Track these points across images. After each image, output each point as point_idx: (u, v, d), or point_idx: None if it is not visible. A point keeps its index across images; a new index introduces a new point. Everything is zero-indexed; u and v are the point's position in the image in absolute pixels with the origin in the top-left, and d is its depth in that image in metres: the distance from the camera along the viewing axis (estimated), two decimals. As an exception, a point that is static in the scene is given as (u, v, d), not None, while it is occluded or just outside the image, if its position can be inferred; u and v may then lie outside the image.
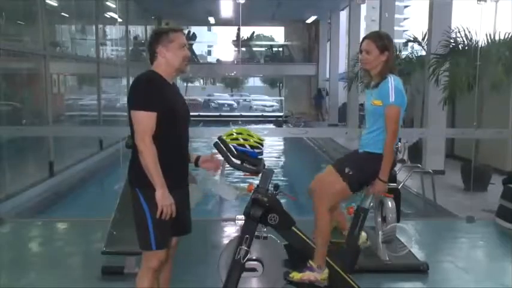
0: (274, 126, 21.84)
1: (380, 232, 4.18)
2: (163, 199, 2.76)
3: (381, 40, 3.40)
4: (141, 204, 2.85)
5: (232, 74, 29.47)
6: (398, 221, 4.23)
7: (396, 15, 18.37)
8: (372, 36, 3.44)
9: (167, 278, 3.15)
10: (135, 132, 2.81)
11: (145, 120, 2.77)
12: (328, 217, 3.35)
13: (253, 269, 3.20)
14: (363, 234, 3.61)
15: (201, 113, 27.03)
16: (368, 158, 3.38)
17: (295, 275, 3.29)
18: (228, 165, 3.13)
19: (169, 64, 2.89)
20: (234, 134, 3.18)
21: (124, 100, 17.43)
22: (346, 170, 3.37)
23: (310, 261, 3.31)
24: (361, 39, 3.56)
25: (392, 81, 3.32)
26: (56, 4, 12.85)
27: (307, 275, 3.28)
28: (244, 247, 3.09)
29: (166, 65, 2.89)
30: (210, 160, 3.11)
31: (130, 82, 2.95)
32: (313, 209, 3.36)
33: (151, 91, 2.81)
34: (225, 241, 3.84)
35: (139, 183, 2.86)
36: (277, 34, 38.16)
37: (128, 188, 3.06)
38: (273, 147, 16.10)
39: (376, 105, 3.33)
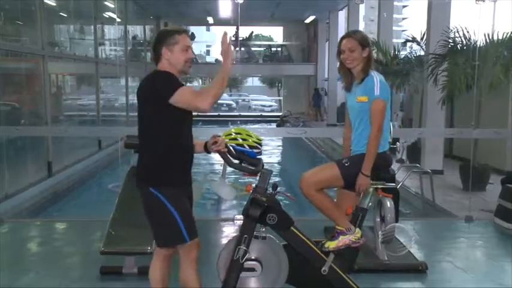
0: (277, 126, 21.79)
1: (380, 232, 4.18)
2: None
3: (361, 36, 3.45)
4: (162, 202, 2.87)
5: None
6: (397, 220, 4.23)
7: (395, 15, 18.38)
8: (352, 34, 3.49)
9: (166, 274, 3.14)
10: (190, 105, 2.81)
11: (187, 89, 2.80)
12: (320, 194, 3.34)
13: (252, 269, 3.20)
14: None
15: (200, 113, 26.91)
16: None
17: (331, 244, 3.30)
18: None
19: (172, 65, 2.91)
20: (233, 134, 3.19)
21: (123, 100, 17.52)
22: (344, 160, 3.40)
23: (338, 227, 3.35)
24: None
25: (377, 76, 3.35)
26: (54, 4, 12.84)
27: (342, 240, 3.31)
28: (243, 247, 3.09)
29: (169, 66, 2.91)
30: (215, 142, 3.07)
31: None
32: (303, 194, 3.36)
33: (172, 76, 2.86)
34: (224, 241, 3.84)
35: (156, 182, 2.90)
36: (276, 34, 38.26)
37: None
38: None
39: (362, 102, 3.34)
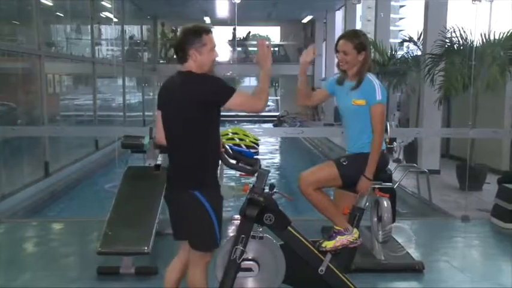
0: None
1: (381, 232, 4.17)
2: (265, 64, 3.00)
3: (358, 39, 3.38)
4: (203, 205, 2.84)
5: (228, 74, 29.47)
6: (394, 220, 4.23)
7: (392, 15, 18.41)
8: (349, 36, 3.42)
9: (182, 276, 3.14)
10: (247, 108, 2.93)
11: (240, 93, 2.86)
12: (319, 194, 3.34)
13: (249, 269, 3.20)
14: None
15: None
16: (367, 157, 3.36)
17: (328, 244, 3.30)
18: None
19: (200, 66, 2.87)
20: (230, 133, 3.18)
21: (120, 100, 17.48)
22: (342, 159, 3.39)
23: (336, 227, 3.35)
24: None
25: (375, 80, 3.34)
26: (51, 3, 12.81)
27: (339, 240, 3.31)
28: (240, 247, 3.09)
29: (196, 67, 2.87)
30: None
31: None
32: (302, 193, 3.37)
33: (219, 79, 2.89)
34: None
35: (199, 184, 2.86)
36: (273, 34, 38.18)
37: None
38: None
39: (359, 105, 3.33)
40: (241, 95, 2.88)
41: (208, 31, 2.90)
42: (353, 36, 3.43)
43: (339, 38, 3.47)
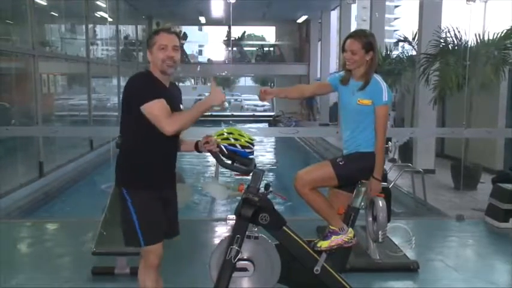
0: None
1: (380, 232, 4.18)
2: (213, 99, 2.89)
3: (366, 39, 3.36)
4: (126, 203, 2.91)
5: (223, 74, 29.45)
6: (389, 220, 4.24)
7: (387, 15, 18.45)
8: (358, 36, 3.39)
9: (154, 280, 3.13)
10: (156, 123, 2.78)
11: (159, 106, 2.79)
12: (314, 193, 3.33)
13: (244, 269, 3.20)
14: None
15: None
16: (362, 156, 3.37)
17: (323, 244, 3.29)
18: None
19: (154, 66, 2.94)
20: (225, 133, 3.17)
21: (115, 100, 17.44)
22: (338, 159, 3.38)
23: (331, 227, 3.34)
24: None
25: (383, 81, 3.34)
26: (45, 3, 12.76)
27: (335, 240, 3.31)
28: (235, 247, 3.08)
29: (153, 67, 2.95)
30: (207, 142, 3.07)
31: (121, 82, 3.00)
32: (298, 192, 3.35)
33: (149, 83, 2.89)
34: (216, 241, 3.84)
35: (125, 182, 2.95)
36: (268, 34, 38.22)
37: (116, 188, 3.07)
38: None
39: (365, 105, 3.32)
40: (158, 108, 2.78)
41: (158, 31, 2.97)
42: (361, 35, 3.39)
43: (347, 37, 3.42)
